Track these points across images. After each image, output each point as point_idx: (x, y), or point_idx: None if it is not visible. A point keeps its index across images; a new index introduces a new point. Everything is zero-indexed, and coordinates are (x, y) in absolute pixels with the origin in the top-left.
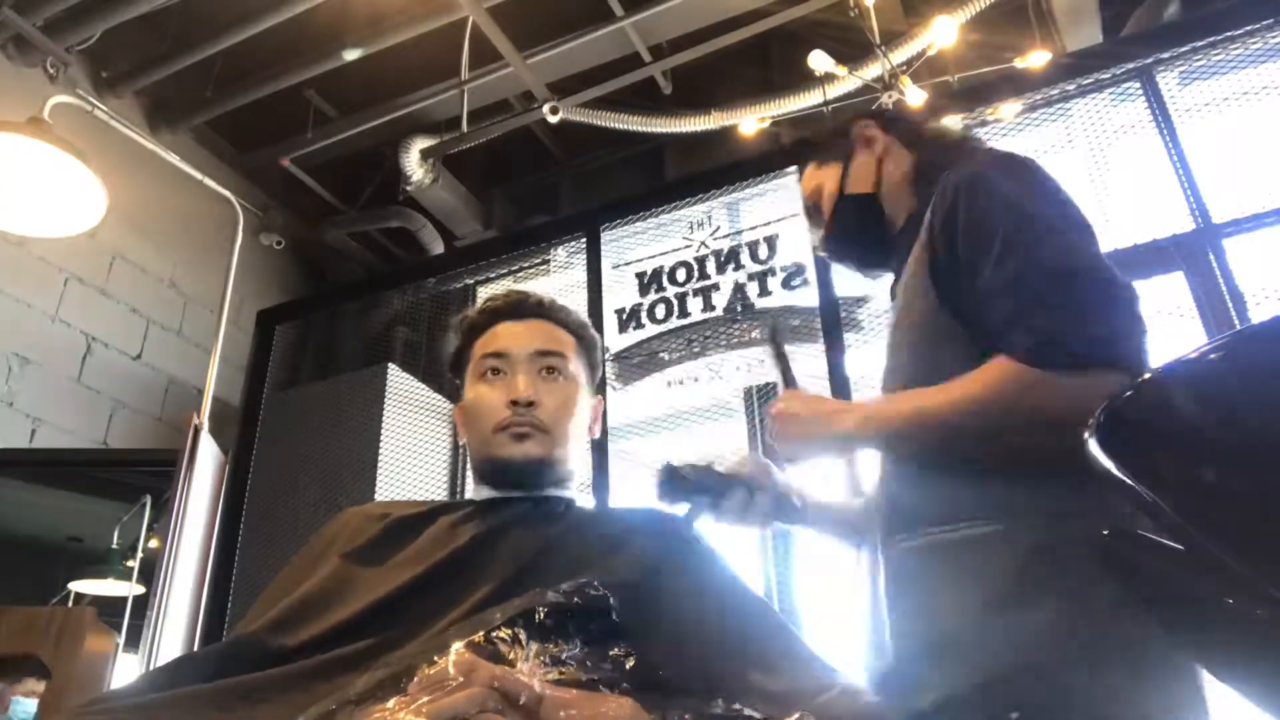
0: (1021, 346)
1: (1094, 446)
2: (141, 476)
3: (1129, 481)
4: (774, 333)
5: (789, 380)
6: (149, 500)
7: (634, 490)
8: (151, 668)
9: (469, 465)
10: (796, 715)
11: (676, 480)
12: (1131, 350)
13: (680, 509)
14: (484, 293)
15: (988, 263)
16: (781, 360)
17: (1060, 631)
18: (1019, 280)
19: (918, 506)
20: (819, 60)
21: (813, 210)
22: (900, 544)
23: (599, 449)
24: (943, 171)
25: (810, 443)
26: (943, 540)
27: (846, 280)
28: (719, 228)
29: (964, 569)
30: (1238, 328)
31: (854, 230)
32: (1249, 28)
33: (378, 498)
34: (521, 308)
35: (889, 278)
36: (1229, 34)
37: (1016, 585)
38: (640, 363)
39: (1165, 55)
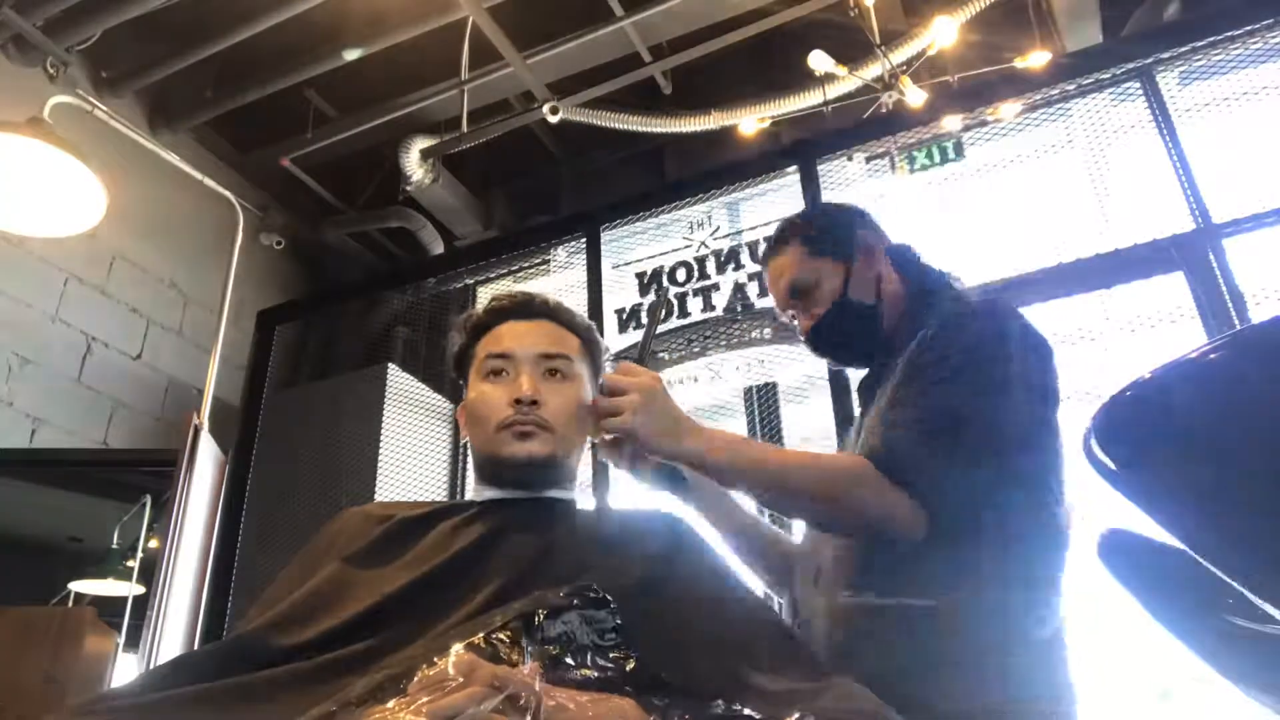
0: (875, 452)
1: (1093, 445)
2: (141, 477)
3: (1127, 480)
4: (654, 306)
5: (644, 355)
6: (149, 500)
7: (634, 491)
8: (151, 667)
9: (470, 465)
10: (795, 715)
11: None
12: (942, 503)
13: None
14: (484, 293)
15: (919, 385)
16: (649, 331)
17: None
18: (919, 411)
19: (875, 571)
20: (819, 60)
21: (800, 292)
22: (848, 599)
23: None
24: (934, 299)
25: (662, 437)
26: (889, 606)
27: None
28: (719, 228)
29: (911, 632)
30: (1238, 328)
31: (848, 334)
32: (1249, 28)
33: (378, 498)
34: (528, 308)
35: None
36: (1229, 34)
37: (954, 652)
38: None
39: (1165, 55)
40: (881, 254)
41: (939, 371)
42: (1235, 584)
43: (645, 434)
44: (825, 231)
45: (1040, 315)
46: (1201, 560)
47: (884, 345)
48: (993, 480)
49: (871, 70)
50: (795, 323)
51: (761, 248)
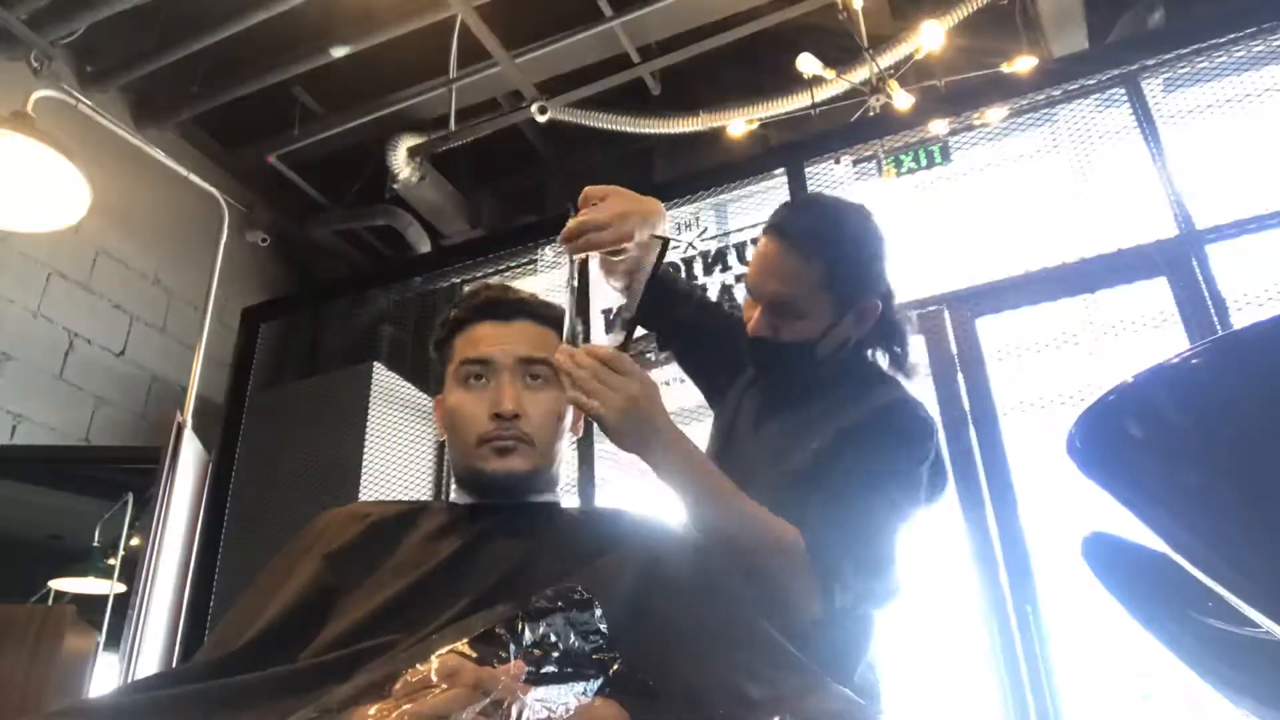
0: (808, 543)
1: (1076, 449)
2: (124, 474)
3: (1109, 484)
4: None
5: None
6: (131, 498)
7: (618, 491)
8: (131, 670)
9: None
10: None
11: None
12: (838, 608)
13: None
14: None
15: (857, 479)
16: (653, 275)
17: None
18: (851, 513)
19: None
20: (807, 63)
21: (779, 309)
22: None
23: (584, 449)
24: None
25: (627, 438)
26: None
27: None
28: (706, 229)
29: None
30: (1220, 333)
31: (784, 364)
32: (1233, 35)
33: (362, 497)
34: (504, 306)
35: None
36: (1213, 41)
37: None
38: None
39: (1150, 62)
40: (872, 315)
41: (874, 474)
42: (1216, 587)
43: (615, 431)
44: (848, 272)
45: (1025, 319)
46: (1183, 563)
47: (807, 382)
48: (880, 592)
49: (859, 74)
50: (743, 308)
51: (750, 251)
